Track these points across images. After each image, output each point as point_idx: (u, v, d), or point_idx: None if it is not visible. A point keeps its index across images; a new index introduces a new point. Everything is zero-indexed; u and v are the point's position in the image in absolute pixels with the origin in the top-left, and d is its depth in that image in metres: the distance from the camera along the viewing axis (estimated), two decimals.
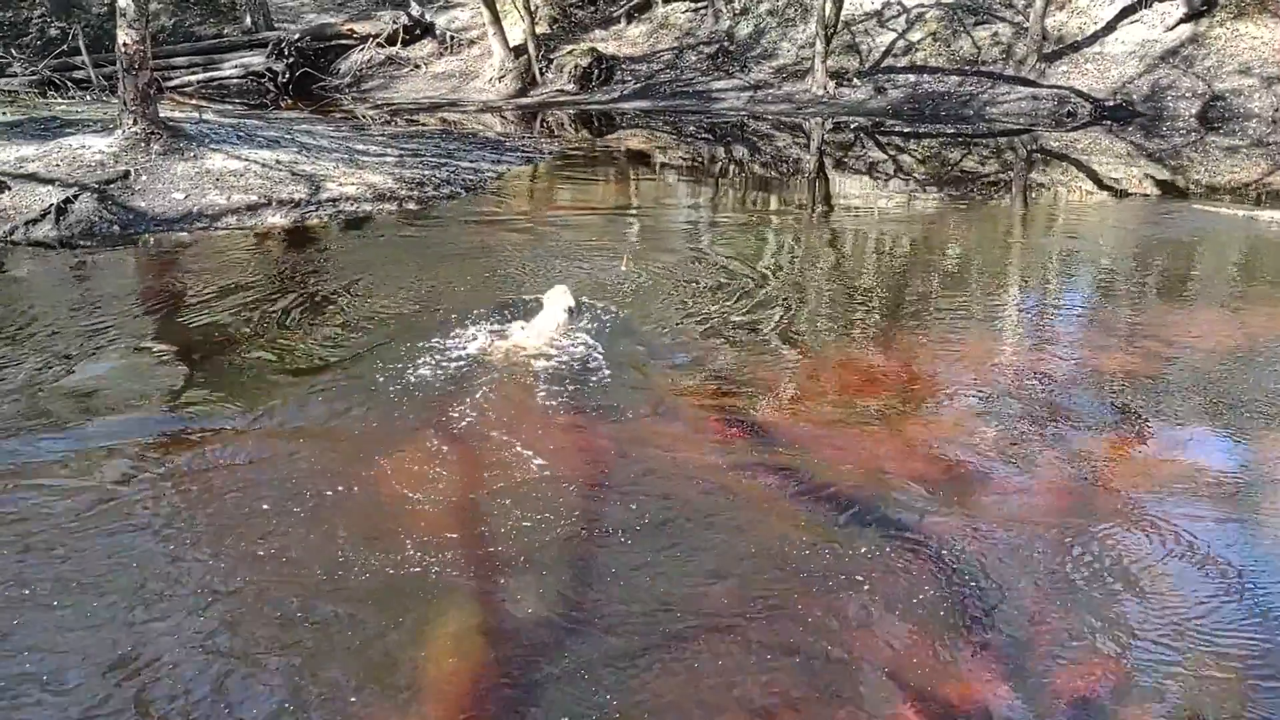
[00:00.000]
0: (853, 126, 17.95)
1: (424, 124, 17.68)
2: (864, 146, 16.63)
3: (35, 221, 9.86)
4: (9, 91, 18.64)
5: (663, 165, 15.16)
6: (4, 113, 13.99)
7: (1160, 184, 13.79)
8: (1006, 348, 7.32)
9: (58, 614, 4.18)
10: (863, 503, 5.13)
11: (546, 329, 6.92)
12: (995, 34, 20.31)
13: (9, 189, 10.17)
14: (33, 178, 10.49)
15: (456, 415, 5.88)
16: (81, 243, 9.76)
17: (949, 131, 17.48)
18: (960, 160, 15.62)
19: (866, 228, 11.36)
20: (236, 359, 6.81)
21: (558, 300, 7.16)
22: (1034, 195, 13.45)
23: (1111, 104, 18.37)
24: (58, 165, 10.83)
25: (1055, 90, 18.73)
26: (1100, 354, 7.06)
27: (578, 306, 7.14)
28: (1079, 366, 6.85)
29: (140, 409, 6.03)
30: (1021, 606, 4.36)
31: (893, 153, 16.15)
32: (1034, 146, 16.53)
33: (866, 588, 4.46)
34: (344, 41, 22.83)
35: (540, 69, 20.99)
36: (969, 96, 19.09)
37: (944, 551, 4.72)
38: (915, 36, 20.61)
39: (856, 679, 3.96)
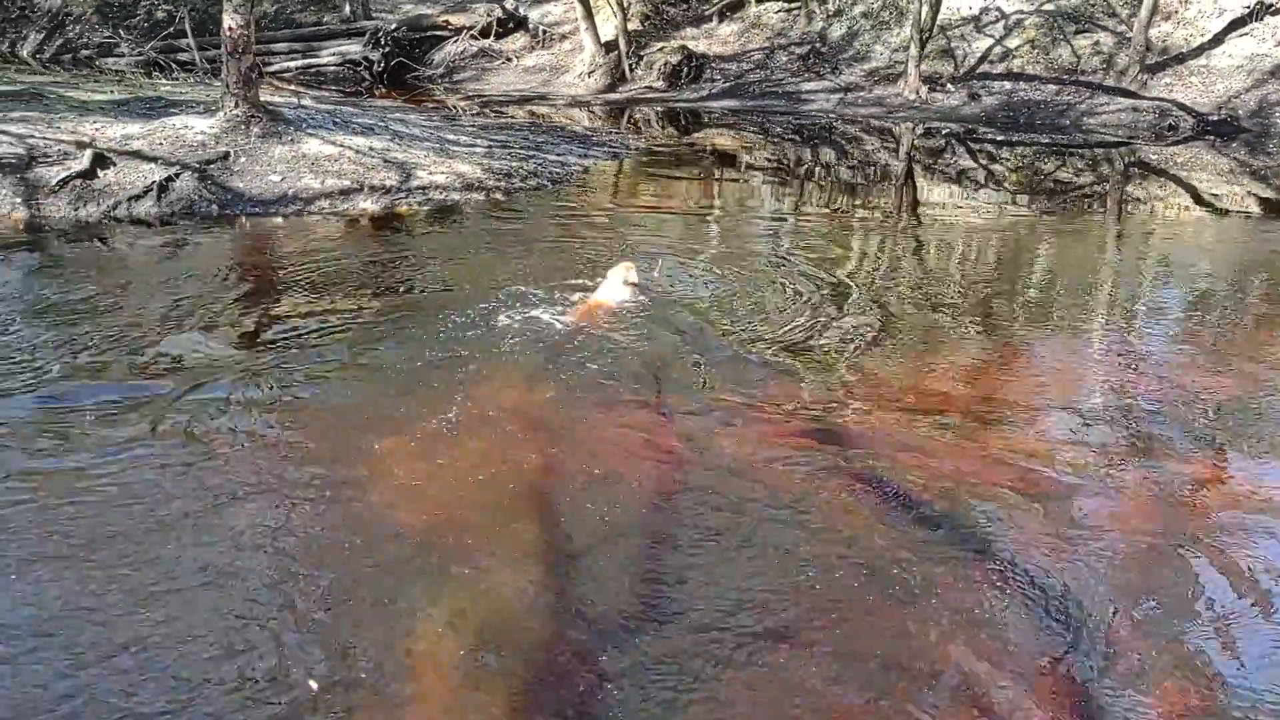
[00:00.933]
0: (944, 133, 17.68)
1: (513, 116, 17.86)
2: (955, 153, 16.36)
3: (138, 198, 10.19)
4: (117, 71, 19.30)
5: (748, 165, 15.10)
6: (112, 91, 14.48)
7: (1264, 202, 13.33)
8: (1095, 364, 7.15)
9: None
10: (940, 513, 5.06)
11: (606, 300, 7.23)
12: (1096, 43, 19.82)
13: (114, 165, 10.53)
14: (137, 155, 10.84)
15: (522, 409, 5.95)
16: (181, 220, 10.07)
17: (1044, 141, 17.10)
18: (1054, 171, 15.28)
19: (954, 236, 11.18)
20: (319, 336, 6.96)
21: (619, 275, 7.34)
22: (1130, 209, 13.10)
23: (1215, 119, 17.79)
24: (161, 144, 11.18)
25: (1157, 102, 18.21)
26: (1192, 374, 6.86)
27: (641, 283, 7.21)
28: (1169, 386, 6.66)
29: (225, 379, 6.21)
30: (1103, 629, 4.26)
31: (984, 161, 15.86)
32: (1132, 159, 16.10)
33: (940, 600, 4.41)
34: (439, 33, 23.17)
35: (630, 65, 21.06)
36: (1066, 106, 18.66)
37: (1022, 567, 4.63)
38: (1013, 43, 20.21)
39: (924, 694, 3.91)
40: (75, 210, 9.91)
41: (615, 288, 7.26)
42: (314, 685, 3.81)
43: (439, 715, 3.77)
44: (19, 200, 9.84)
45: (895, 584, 4.51)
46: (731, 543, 4.80)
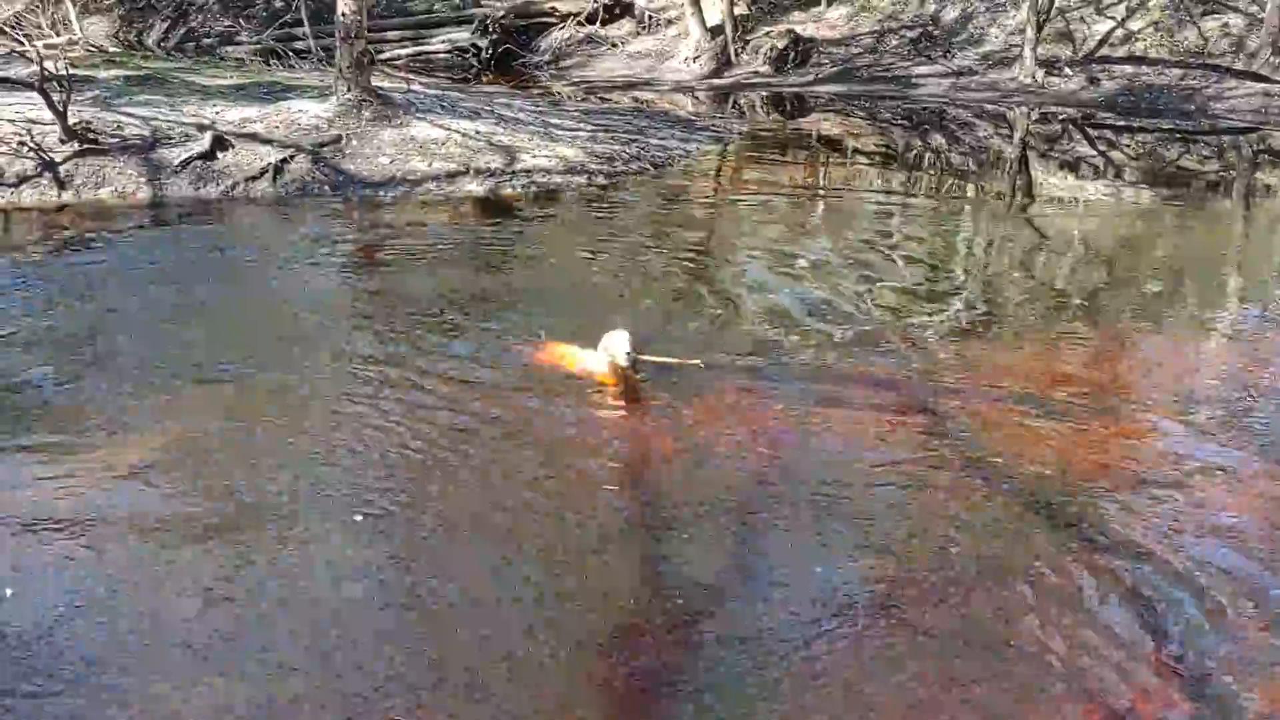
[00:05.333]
0: (1060, 118, 17.10)
1: (617, 102, 17.89)
2: (1071, 139, 15.82)
3: (254, 179, 10.51)
4: (236, 58, 19.95)
5: (855, 151, 14.85)
6: (231, 77, 14.96)
7: None
8: (1213, 354, 6.84)
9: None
10: (1044, 498, 4.91)
11: (596, 369, 5.90)
12: (1225, 25, 18.91)
13: (233, 147, 10.88)
14: (254, 138, 11.18)
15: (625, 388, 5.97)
16: (295, 200, 10.36)
17: (1166, 127, 16.41)
18: (1177, 158, 14.66)
19: (1069, 223, 10.81)
20: (422, 313, 7.07)
21: (612, 347, 5.75)
22: (1257, 198, 12.48)
23: None
24: (277, 127, 11.51)
25: None
26: None
27: (634, 358, 5.65)
28: None
29: (343, 355, 6.36)
30: (1210, 621, 4.08)
31: (1103, 147, 15.30)
32: (1261, 146, 15.34)
33: (1045, 583, 4.28)
34: (545, 19, 23.33)
35: (736, 50, 20.89)
36: (1191, 91, 17.87)
37: (1128, 555, 4.47)
38: (1136, 25, 19.42)
39: (1028, 678, 3.80)
40: (196, 190, 10.27)
41: (602, 360, 5.82)
42: None
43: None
44: (144, 180, 10.25)
45: (999, 565, 4.40)
46: (831, 520, 4.74)
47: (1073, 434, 5.55)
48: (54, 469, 4.95)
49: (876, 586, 4.30)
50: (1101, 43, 19.50)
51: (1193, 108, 17.45)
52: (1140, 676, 3.80)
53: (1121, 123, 16.82)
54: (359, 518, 4.59)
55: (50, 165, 10.10)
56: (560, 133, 13.08)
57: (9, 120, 10.45)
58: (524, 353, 6.28)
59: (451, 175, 11.08)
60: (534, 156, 11.80)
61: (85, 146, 10.33)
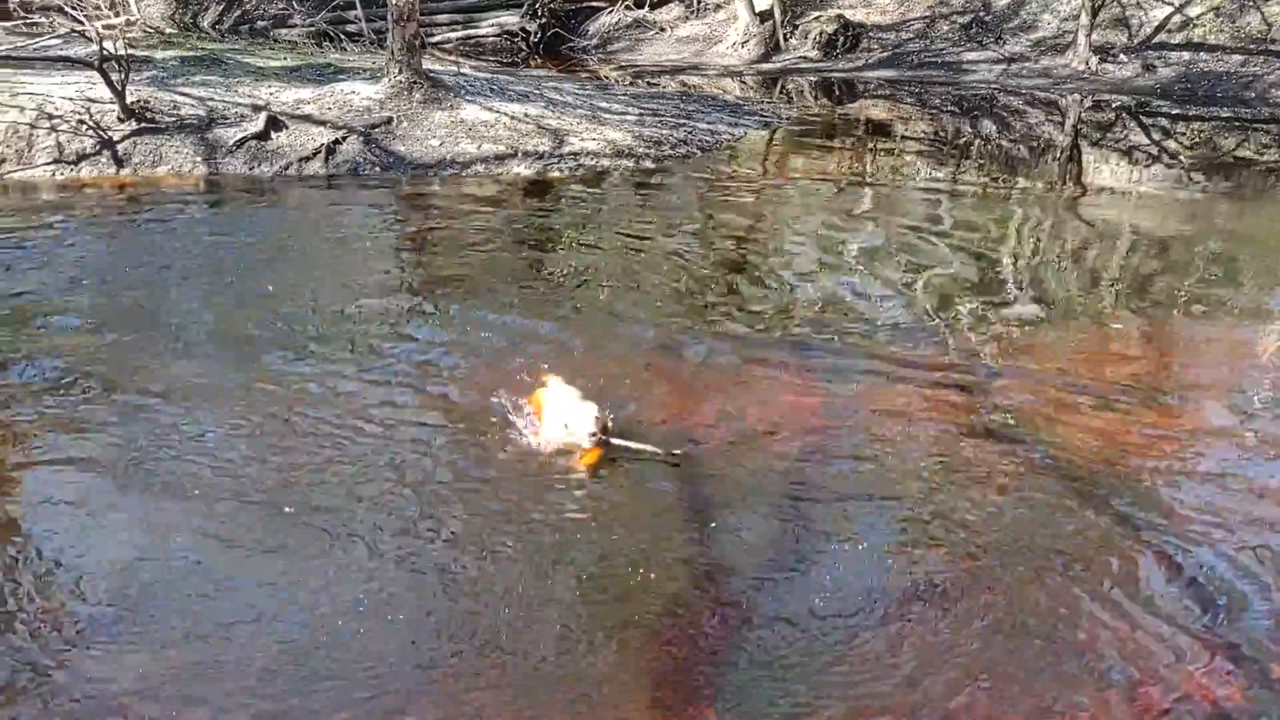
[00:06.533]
0: (1114, 105, 16.82)
1: (664, 86, 17.86)
2: (1125, 127, 15.56)
3: (307, 159, 10.66)
4: (290, 41, 20.16)
5: (903, 137, 14.73)
6: (285, 59, 15.13)
7: None
8: (1265, 343, 6.73)
9: None
10: (1094, 484, 4.89)
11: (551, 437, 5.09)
12: None
13: (286, 128, 11.03)
14: (307, 119, 11.33)
15: (670, 367, 6.00)
16: (346, 181, 10.49)
17: (1224, 115, 16.09)
18: (1235, 147, 14.38)
19: (1121, 212, 10.67)
20: (469, 293, 7.14)
21: (575, 418, 5.00)
22: None
23: None
24: (329, 109, 11.64)
25: None
26: None
27: (598, 439, 4.91)
28: None
29: (389, 332, 6.45)
30: (1261, 604, 4.05)
31: (1158, 135, 15.04)
32: None
33: (1090, 568, 4.27)
34: (594, 4, 23.33)
35: (784, 35, 20.76)
36: (1252, 78, 17.49)
37: (1178, 540, 4.44)
38: (1194, 11, 19.02)
39: (1067, 657, 3.80)
40: (250, 169, 10.44)
41: (558, 429, 5.04)
42: None
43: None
44: (200, 159, 10.43)
45: (1049, 550, 4.39)
46: (878, 504, 4.75)
47: (1123, 420, 5.51)
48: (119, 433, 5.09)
49: (923, 571, 4.31)
50: (1158, 29, 19.14)
51: (1252, 95, 17.09)
52: (1192, 659, 3.78)
53: (1177, 110, 16.51)
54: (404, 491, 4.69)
55: (109, 143, 10.32)
56: (608, 116, 13.10)
57: (69, 98, 10.67)
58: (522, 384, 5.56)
59: (500, 157, 11.15)
60: (581, 140, 11.84)
61: (143, 125, 10.54)
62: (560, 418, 5.00)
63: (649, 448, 4.95)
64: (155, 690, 3.60)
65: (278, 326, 6.41)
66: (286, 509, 4.54)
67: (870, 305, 7.07)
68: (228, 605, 3.99)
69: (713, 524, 4.61)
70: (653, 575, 4.25)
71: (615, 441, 4.92)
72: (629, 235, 8.64)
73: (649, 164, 11.60)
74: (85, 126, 10.37)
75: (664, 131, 12.77)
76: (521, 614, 3.99)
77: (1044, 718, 3.59)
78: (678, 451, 4.94)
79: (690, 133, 13.00)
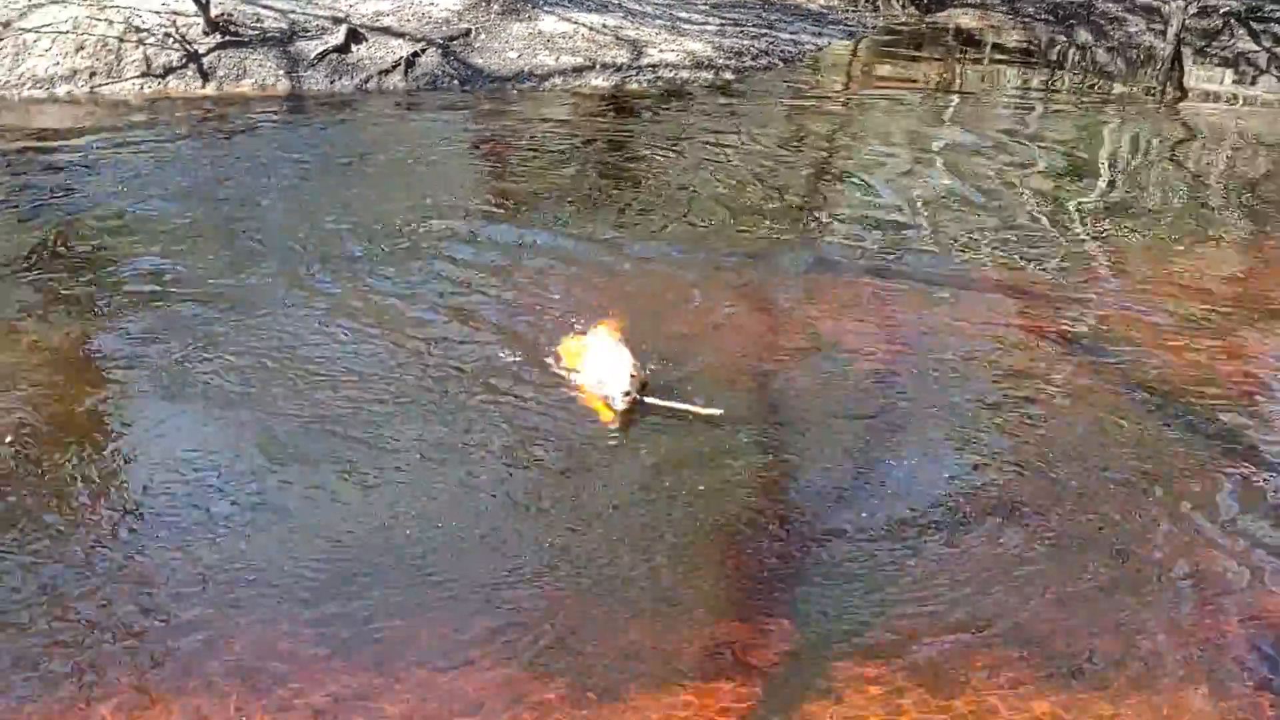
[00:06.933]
0: (1222, 11, 15.92)
1: None
2: (1233, 34, 14.74)
3: (386, 73, 10.67)
4: None
5: (994, 46, 14.18)
6: None
7: None
8: None
9: None
10: (1181, 407, 4.76)
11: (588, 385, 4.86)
12: None
13: (366, 40, 11.03)
14: (386, 31, 11.30)
15: (748, 280, 5.95)
16: (425, 93, 10.49)
17: None
18: None
19: (1225, 123, 10.19)
20: (546, 206, 7.13)
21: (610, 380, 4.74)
22: None
23: None
24: (409, 20, 11.59)
25: None
26: None
27: (633, 399, 4.63)
28: None
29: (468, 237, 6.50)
30: None
31: (1268, 42, 14.24)
32: None
33: (1171, 491, 4.19)
34: None
35: None
36: None
37: (1263, 466, 4.33)
38: None
39: (1142, 577, 3.78)
40: (331, 83, 10.49)
41: (594, 383, 4.81)
42: None
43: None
44: (282, 72, 10.50)
45: (1130, 472, 4.32)
46: (957, 421, 4.70)
47: (1214, 343, 5.34)
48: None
49: (999, 489, 4.28)
50: None
51: None
52: (1268, 582, 3.71)
53: None
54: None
55: (194, 56, 10.42)
56: (688, 27, 12.83)
57: (155, 12, 10.77)
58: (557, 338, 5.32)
59: (578, 70, 11.03)
60: (660, 51, 11.64)
61: (226, 39, 10.61)
62: (597, 372, 4.77)
63: (688, 406, 4.65)
64: (216, 580, 3.75)
65: (349, 240, 6.48)
66: (332, 420, 4.61)
67: (956, 219, 6.90)
68: (277, 507, 4.13)
69: (786, 437, 4.61)
70: (725, 488, 4.27)
71: (651, 400, 4.67)
72: (708, 149, 8.51)
73: (729, 75, 11.38)
74: (171, 40, 10.49)
75: (745, 42, 12.48)
76: (587, 527, 4.05)
77: (1113, 634, 3.56)
78: (719, 411, 4.58)
79: (772, 43, 12.69)
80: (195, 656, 3.46)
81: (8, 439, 4.41)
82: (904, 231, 6.66)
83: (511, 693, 3.36)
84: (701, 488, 4.25)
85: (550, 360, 5.03)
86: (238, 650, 3.49)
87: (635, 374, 4.65)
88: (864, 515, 4.14)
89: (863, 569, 3.87)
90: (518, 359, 5.07)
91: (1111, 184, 7.70)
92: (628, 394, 4.59)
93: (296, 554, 3.87)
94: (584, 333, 5.15)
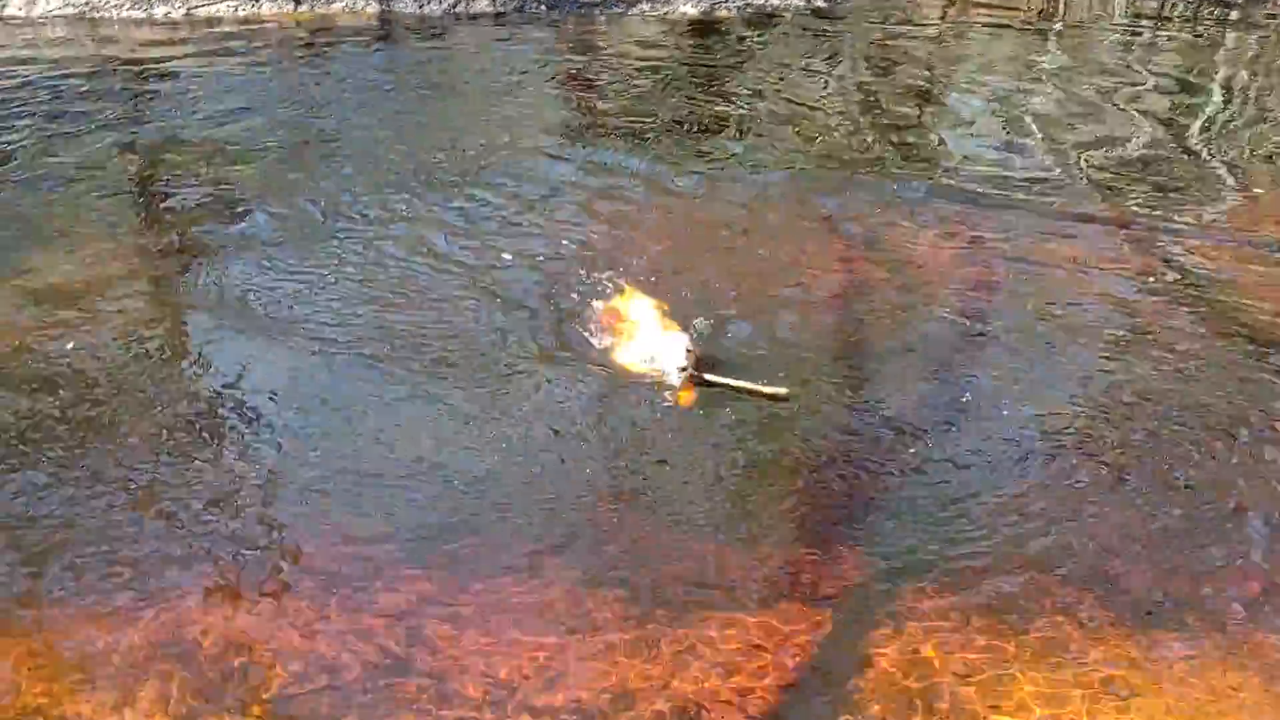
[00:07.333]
0: None
1: None
2: None
3: None
4: None
5: None
6: None
7: None
8: None
9: None
10: (1274, 348, 4.59)
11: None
12: None
13: None
14: None
15: (829, 214, 5.86)
16: (513, 19, 10.44)
17: None
18: None
19: None
20: (634, 133, 7.08)
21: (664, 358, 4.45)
22: None
23: None
24: None
25: None
26: None
27: (689, 376, 4.35)
28: None
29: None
30: None
31: None
32: None
33: (1257, 435, 4.08)
34: None
35: None
36: None
37: None
38: None
39: (1217, 520, 3.72)
40: (420, 6, 10.49)
41: (644, 361, 4.51)
42: None
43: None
44: None
45: (1215, 414, 4.20)
46: (1043, 358, 4.61)
47: None
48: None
49: (1082, 426, 4.20)
50: None
51: None
52: None
53: None
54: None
55: None
56: None
57: None
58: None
59: None
60: None
61: None
62: (647, 348, 4.46)
63: (750, 385, 4.32)
64: (291, 487, 3.91)
65: (429, 165, 6.52)
66: (385, 350, 4.69)
67: (1049, 156, 6.67)
68: (348, 423, 4.25)
69: (863, 372, 4.57)
70: (801, 419, 4.26)
71: (708, 377, 4.36)
72: (796, 78, 8.33)
73: (821, 3, 11.08)
74: None
75: None
76: (655, 457, 4.09)
77: (1188, 576, 3.51)
78: (784, 390, 4.27)
79: None
80: (277, 557, 3.61)
81: (70, 345, 4.59)
82: (1004, 159, 6.47)
83: (579, 605, 3.44)
84: (771, 417, 4.24)
85: (594, 326, 4.83)
86: (316, 554, 3.63)
87: (690, 349, 4.37)
88: (937, 449, 4.10)
89: (933, 503, 3.85)
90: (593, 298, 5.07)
91: (1227, 110, 7.34)
92: (683, 369, 4.31)
93: (368, 469, 3.99)
94: (622, 302, 4.86)
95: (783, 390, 4.26)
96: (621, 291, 4.89)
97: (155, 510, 3.79)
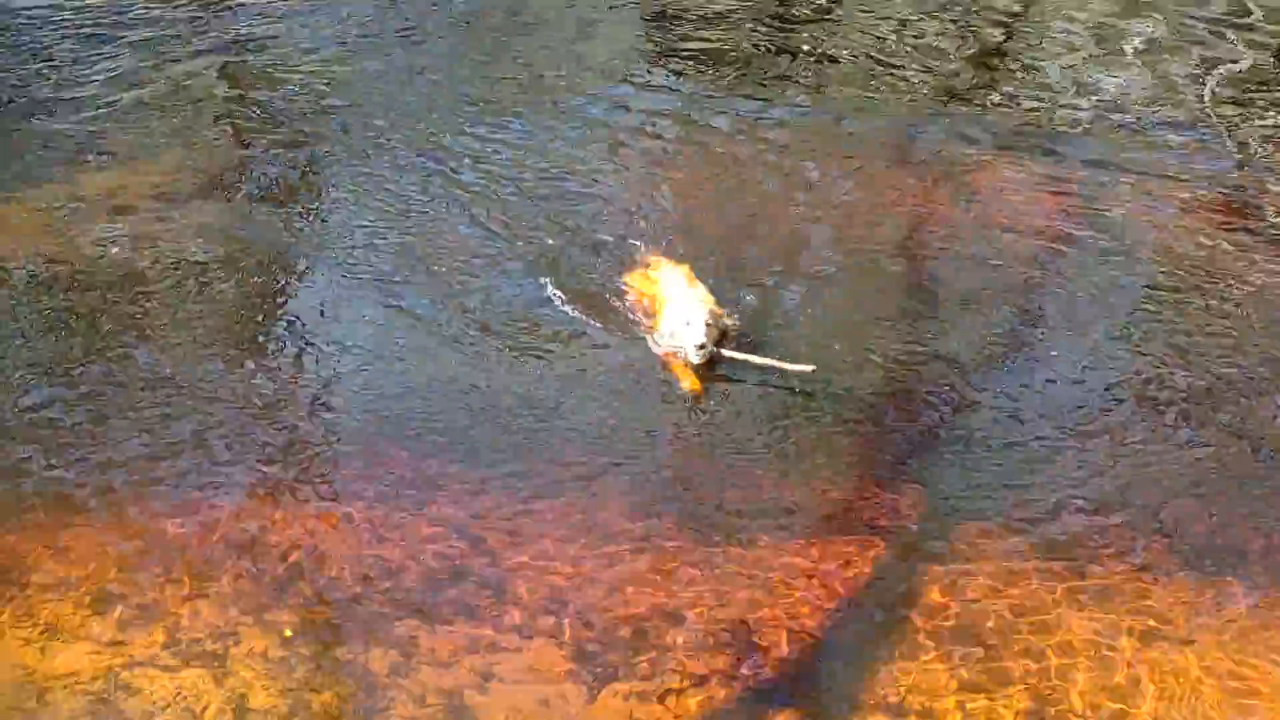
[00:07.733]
0: None
1: None
2: None
3: None
4: None
5: None
6: None
7: None
8: None
9: None
10: None
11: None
12: None
13: None
14: None
15: (909, 155, 5.79)
16: None
17: None
18: None
19: None
20: (700, 72, 6.98)
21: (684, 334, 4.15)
22: None
23: None
24: None
25: None
26: None
27: (709, 353, 4.08)
28: None
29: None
30: None
31: None
32: None
33: None
34: None
35: None
36: None
37: None
38: None
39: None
40: None
41: (669, 335, 4.24)
42: None
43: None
44: None
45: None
46: (1113, 309, 4.56)
47: None
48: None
49: (1155, 377, 4.16)
50: None
51: None
52: None
53: None
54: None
55: None
56: None
57: None
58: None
59: None
60: None
61: None
62: (675, 320, 4.17)
63: (774, 362, 4.07)
64: (365, 412, 4.05)
65: (505, 95, 6.49)
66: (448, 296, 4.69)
67: (1139, 102, 6.45)
68: (417, 356, 4.35)
69: (938, 313, 4.56)
70: (863, 360, 4.26)
71: (729, 354, 4.13)
72: (880, 16, 8.08)
73: None
74: None
75: None
76: (720, 394, 4.14)
77: (1249, 526, 3.50)
78: (810, 368, 4.02)
79: None
80: (354, 471, 3.79)
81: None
82: (1075, 114, 6.29)
83: (641, 529, 3.54)
84: (838, 359, 4.25)
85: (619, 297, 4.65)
86: (388, 471, 3.78)
87: (712, 323, 4.10)
88: (1001, 393, 4.08)
89: (996, 444, 3.85)
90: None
91: None
92: (701, 346, 4.04)
93: (436, 400, 4.11)
94: (652, 273, 4.62)
95: (809, 367, 4.03)
96: (649, 264, 4.62)
97: (225, 417, 3.95)
